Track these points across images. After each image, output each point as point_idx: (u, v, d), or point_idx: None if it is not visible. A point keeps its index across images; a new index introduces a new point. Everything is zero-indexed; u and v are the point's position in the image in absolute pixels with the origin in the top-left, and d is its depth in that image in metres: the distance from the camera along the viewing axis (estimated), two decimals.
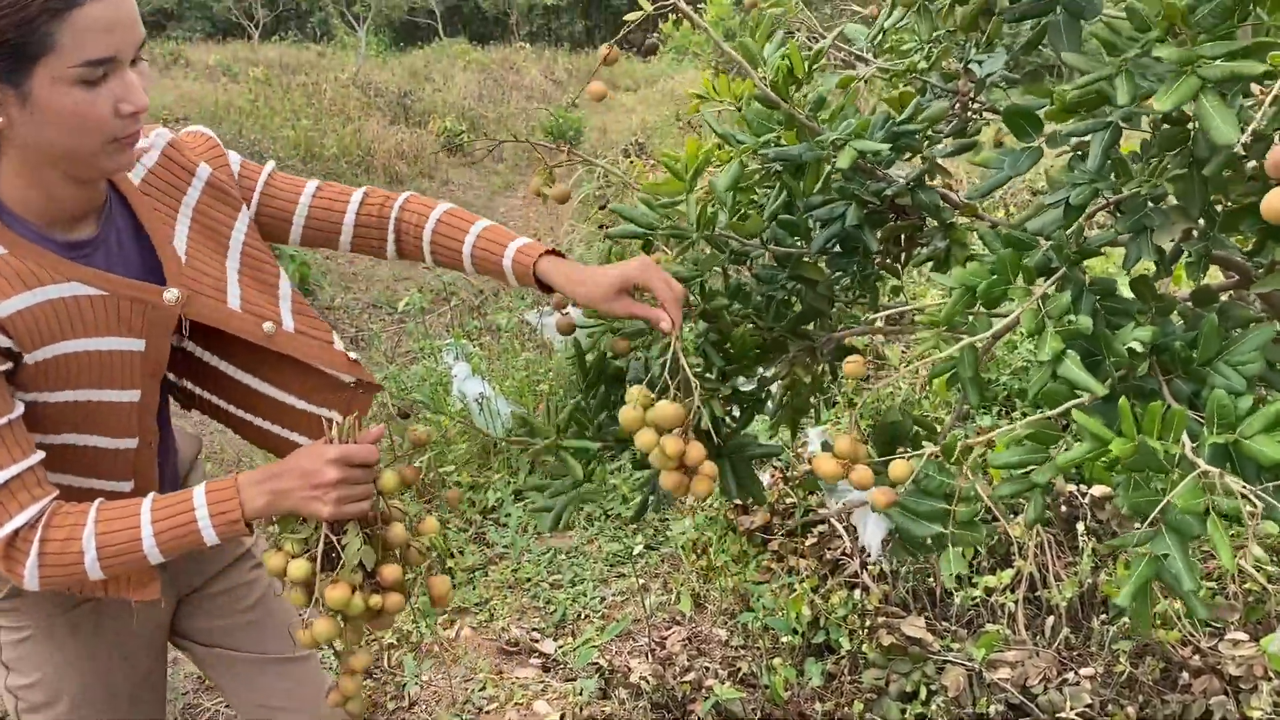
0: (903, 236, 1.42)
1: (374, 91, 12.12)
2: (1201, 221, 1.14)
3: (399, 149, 9.66)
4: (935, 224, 1.38)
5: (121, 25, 1.12)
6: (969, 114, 1.91)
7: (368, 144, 9.40)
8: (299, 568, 1.20)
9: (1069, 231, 1.20)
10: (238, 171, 1.42)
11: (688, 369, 1.20)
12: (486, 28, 25.05)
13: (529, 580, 3.15)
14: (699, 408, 1.19)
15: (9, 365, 1.16)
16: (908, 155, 1.39)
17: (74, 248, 1.22)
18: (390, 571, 1.24)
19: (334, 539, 1.21)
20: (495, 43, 23.11)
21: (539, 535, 3.36)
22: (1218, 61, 0.90)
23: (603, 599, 3.04)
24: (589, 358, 1.38)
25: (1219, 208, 1.15)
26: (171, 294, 1.27)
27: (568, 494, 1.39)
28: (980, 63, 1.63)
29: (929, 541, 1.08)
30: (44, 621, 1.37)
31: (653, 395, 1.20)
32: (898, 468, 1.07)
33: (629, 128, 10.89)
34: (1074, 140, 1.21)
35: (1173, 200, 1.15)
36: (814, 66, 1.25)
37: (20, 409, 1.17)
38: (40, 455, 1.18)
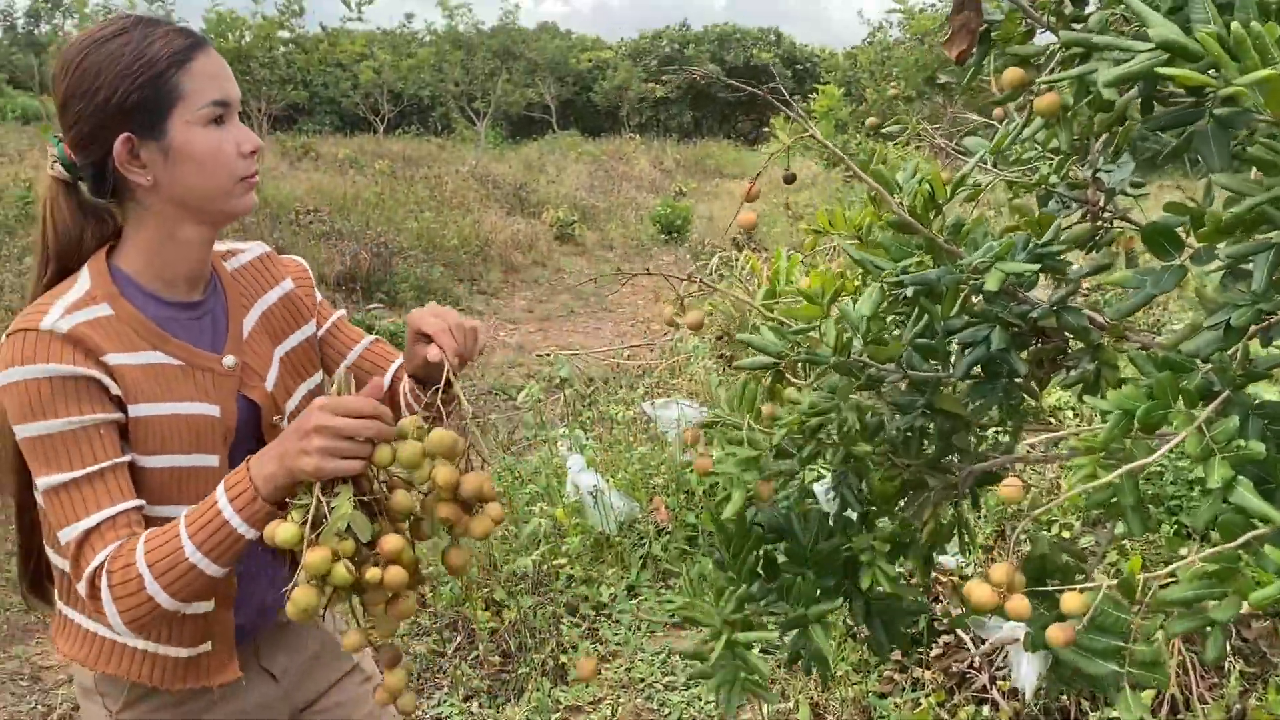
0: (1045, 360, 1.38)
1: (491, 183, 12.56)
2: None
3: (514, 239, 9.95)
4: (1082, 346, 1.34)
5: (225, 76, 1.28)
6: (1099, 223, 1.87)
7: (485, 234, 9.72)
8: (285, 531, 1.10)
9: (1231, 352, 1.16)
10: (317, 302, 1.54)
11: (463, 398, 1.19)
12: (598, 120, 25.81)
13: (643, 681, 3.10)
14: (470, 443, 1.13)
15: (120, 415, 1.23)
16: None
17: (187, 307, 1.34)
18: (390, 543, 1.12)
19: (324, 501, 1.12)
20: (606, 134, 23.76)
21: (653, 634, 3.32)
22: None
23: (718, 704, 2.97)
24: (726, 511, 1.35)
25: None
26: (229, 360, 1.35)
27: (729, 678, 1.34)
28: (1109, 171, 1.61)
29: (1106, 681, 1.03)
30: None
31: (424, 425, 1.16)
32: (1071, 601, 1.03)
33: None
34: (1225, 258, 1.17)
35: None
36: (956, 191, 1.24)
37: (128, 457, 1.23)
38: (138, 503, 1.23)
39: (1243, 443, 1.05)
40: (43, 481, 1.20)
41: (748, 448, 1.32)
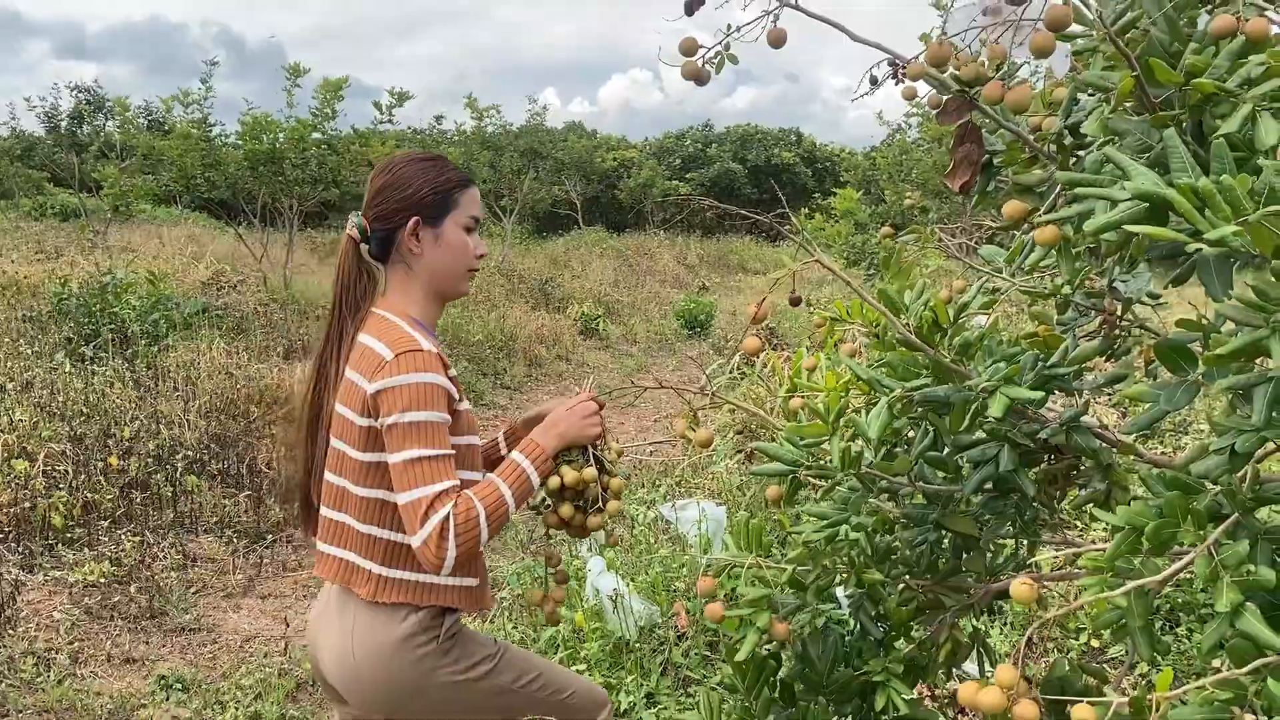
0: (1058, 476, 1.39)
1: (517, 278, 12.74)
2: None
3: (539, 333, 10.05)
4: (1093, 464, 1.35)
5: (480, 204, 1.93)
6: (1116, 332, 1.88)
7: (510, 329, 9.82)
8: (570, 475, 1.86)
9: (1239, 475, 1.16)
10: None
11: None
12: (622, 216, 26.22)
13: None
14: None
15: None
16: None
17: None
18: (615, 482, 1.92)
19: (594, 453, 1.91)
20: (630, 230, 24.11)
21: None
22: None
23: None
24: (740, 654, 1.35)
25: None
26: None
27: None
28: (1125, 282, 1.62)
29: None
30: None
31: None
32: (1081, 712, 1.02)
33: None
34: (1226, 388, 1.18)
35: None
36: (960, 317, 1.27)
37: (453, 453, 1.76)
38: (458, 481, 1.73)
39: (1252, 568, 1.05)
40: (412, 453, 1.70)
41: (758, 587, 1.32)
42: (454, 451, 1.75)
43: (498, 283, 12.32)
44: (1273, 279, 0.99)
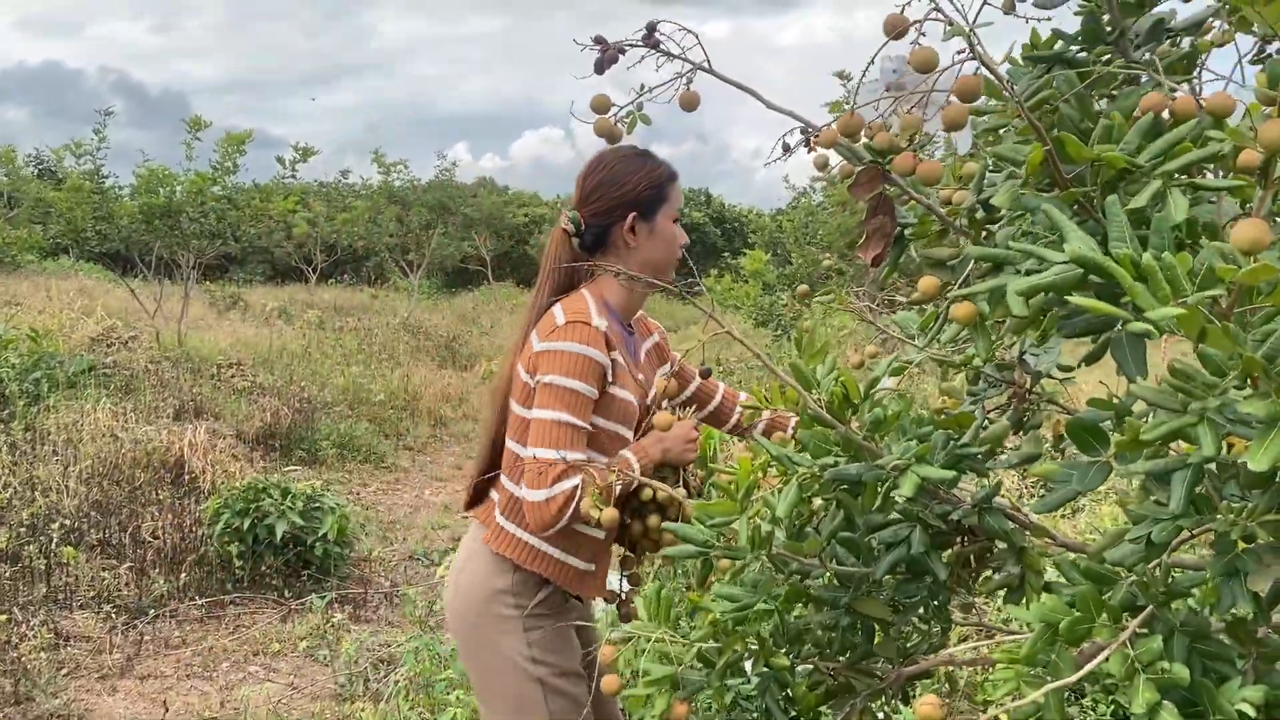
0: (971, 558, 1.34)
1: (423, 335, 12.53)
2: None
3: (445, 392, 9.85)
4: (1006, 547, 1.30)
5: (682, 197, 2.05)
6: (1026, 406, 1.86)
7: (414, 388, 9.60)
8: (678, 492, 1.87)
9: (1153, 566, 1.13)
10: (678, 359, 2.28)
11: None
12: (532, 272, 26.14)
13: None
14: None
15: (597, 396, 1.90)
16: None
17: (628, 331, 2.06)
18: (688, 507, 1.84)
19: (684, 476, 1.98)
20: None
21: None
22: None
23: None
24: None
25: None
26: (640, 375, 2.03)
27: None
28: (1036, 355, 1.60)
29: None
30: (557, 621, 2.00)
31: None
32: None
33: None
34: (1144, 473, 1.14)
35: (1266, 540, 1.08)
36: (871, 392, 1.22)
37: (590, 429, 1.89)
38: (585, 457, 1.85)
39: (1167, 665, 1.01)
40: (557, 415, 1.83)
41: (663, 665, 1.24)
42: (587, 426, 1.86)
43: (403, 340, 12.09)
44: (1198, 364, 0.96)
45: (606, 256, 1.98)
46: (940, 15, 1.08)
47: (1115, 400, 1.39)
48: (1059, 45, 1.35)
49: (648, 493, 1.91)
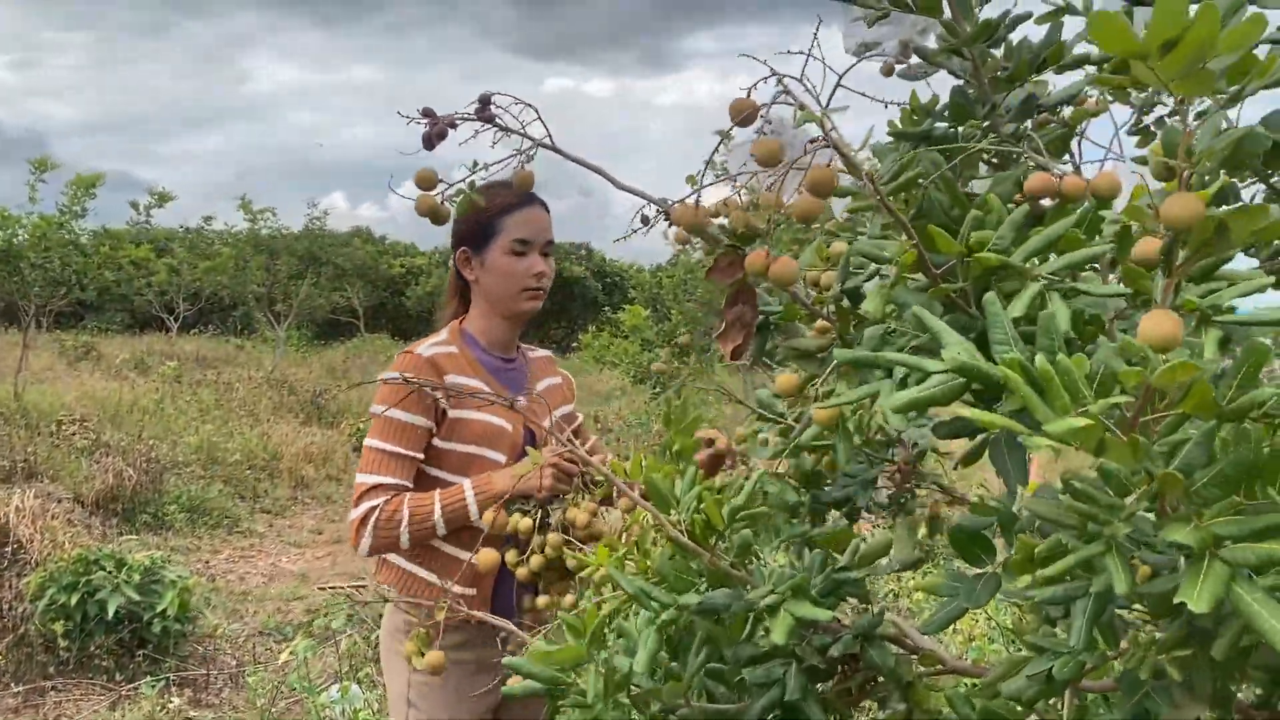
0: (853, 690, 1.19)
1: (288, 389, 11.99)
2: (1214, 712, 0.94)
3: (308, 451, 9.38)
4: (890, 681, 1.15)
5: (535, 226, 2.01)
6: (906, 486, 1.74)
7: (274, 446, 9.11)
8: (524, 523, 1.79)
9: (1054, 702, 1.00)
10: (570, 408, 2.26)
11: None
12: (409, 324, 25.60)
13: None
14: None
15: (434, 426, 1.93)
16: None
17: (503, 361, 2.08)
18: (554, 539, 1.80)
19: (546, 508, 1.84)
20: (418, 338, 23.46)
21: None
22: (1243, 545, 0.72)
23: None
24: None
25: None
26: (521, 401, 2.01)
27: None
28: (919, 428, 1.51)
29: None
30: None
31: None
32: None
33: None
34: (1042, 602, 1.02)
35: (1178, 677, 0.96)
36: (737, 518, 1.06)
37: (421, 456, 1.93)
38: (408, 485, 1.91)
39: None
40: (371, 442, 1.90)
41: None
42: (411, 453, 1.91)
43: (265, 394, 11.54)
44: (1099, 481, 0.83)
45: (473, 293, 2.07)
46: (790, 99, 0.95)
47: (998, 504, 1.28)
48: (927, 122, 1.24)
49: (495, 520, 1.73)
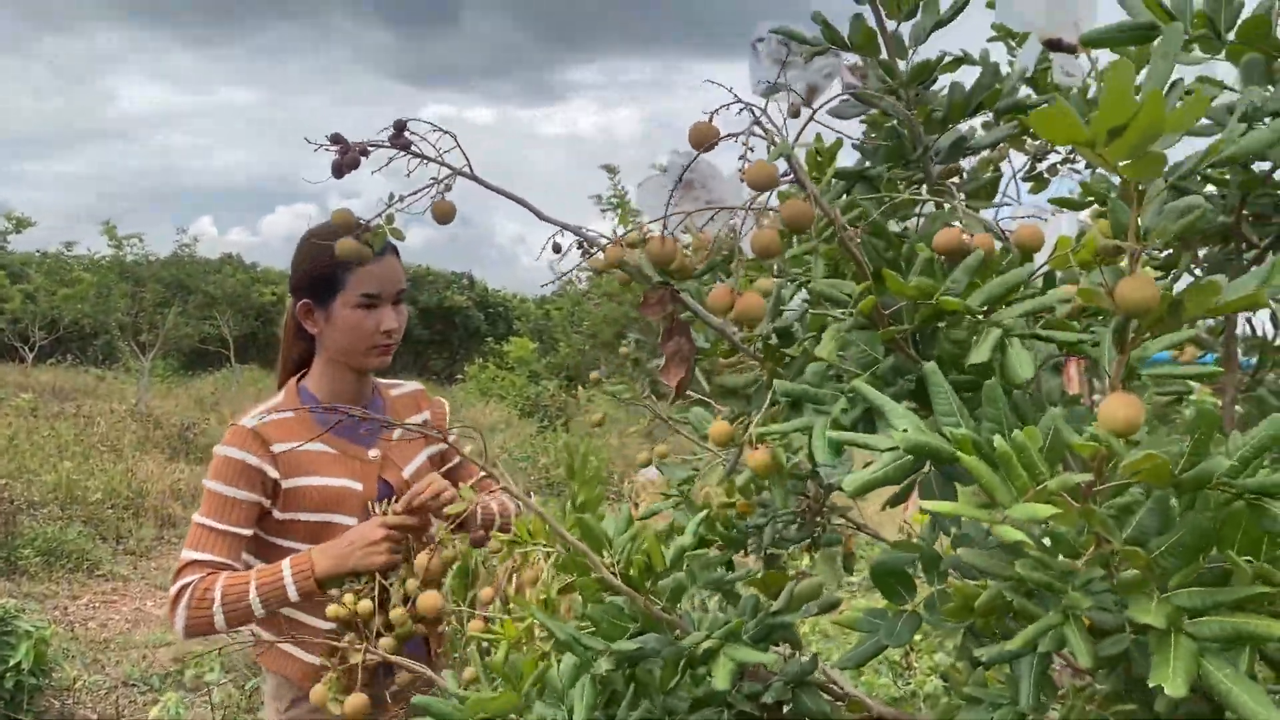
0: None
1: (153, 423, 11.43)
2: None
3: (176, 488, 8.94)
4: None
5: (384, 278, 1.86)
6: (819, 519, 1.74)
7: (139, 484, 8.65)
8: (364, 606, 1.62)
9: None
10: (442, 449, 2.10)
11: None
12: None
13: None
14: None
15: (266, 500, 1.82)
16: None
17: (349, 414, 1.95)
18: (397, 614, 1.65)
19: (385, 583, 1.69)
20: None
21: None
22: (1208, 618, 0.72)
23: None
24: None
25: None
26: (373, 453, 1.94)
27: None
28: (832, 467, 1.49)
29: None
30: None
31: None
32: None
33: None
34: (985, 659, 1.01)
35: None
36: (680, 559, 1.03)
37: (248, 532, 1.82)
38: (235, 564, 1.79)
39: None
40: (196, 516, 1.82)
41: None
42: (235, 529, 1.80)
43: (130, 428, 10.98)
44: (1054, 551, 0.82)
45: (316, 346, 1.95)
46: (760, 130, 0.93)
47: (919, 541, 1.28)
48: (857, 161, 1.25)
49: (331, 609, 1.66)
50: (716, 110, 0.89)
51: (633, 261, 1.16)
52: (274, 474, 1.81)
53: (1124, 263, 0.66)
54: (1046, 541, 0.81)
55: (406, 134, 1.15)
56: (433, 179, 1.14)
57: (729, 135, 0.86)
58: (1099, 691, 0.95)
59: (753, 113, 0.81)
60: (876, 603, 1.14)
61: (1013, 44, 1.51)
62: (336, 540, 1.78)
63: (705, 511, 1.09)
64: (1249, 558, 0.72)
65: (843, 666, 1.19)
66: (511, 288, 31.67)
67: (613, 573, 1.05)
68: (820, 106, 0.99)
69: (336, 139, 1.16)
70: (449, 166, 1.15)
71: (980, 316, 0.91)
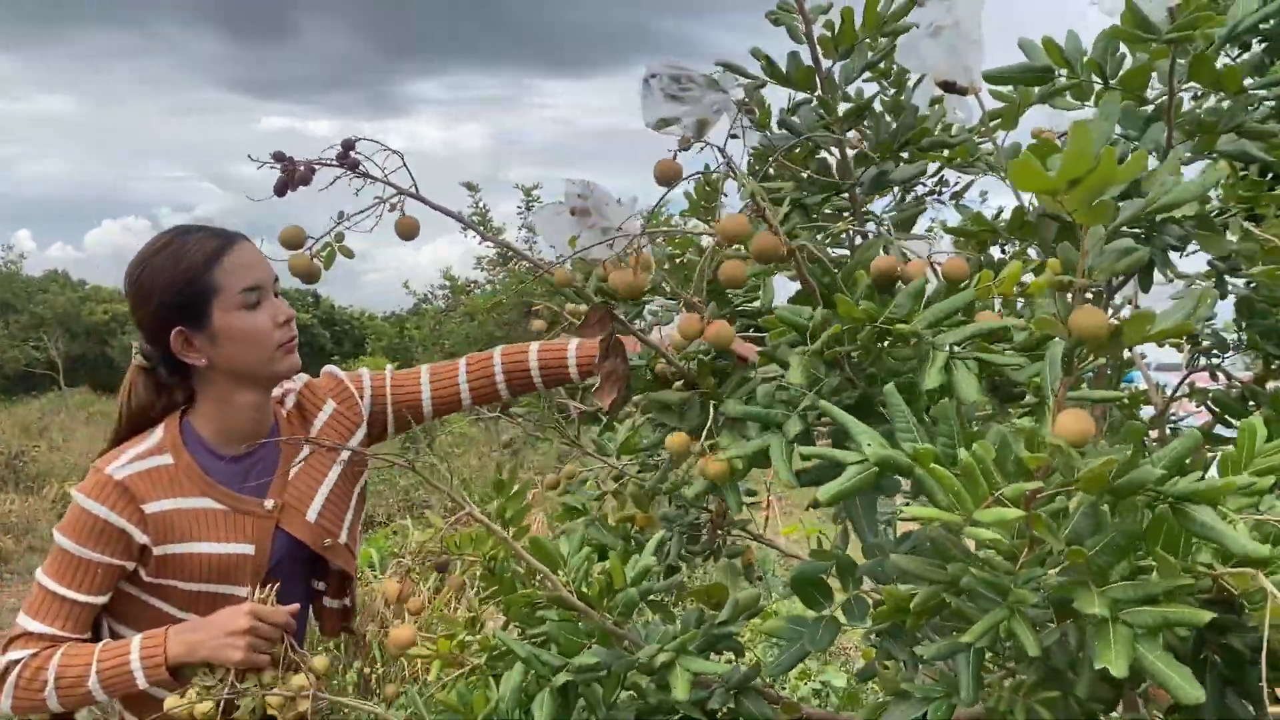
0: None
1: None
2: None
3: (5, 521, 8.36)
4: None
5: (256, 264, 1.53)
6: (720, 533, 1.81)
7: None
8: (203, 709, 1.40)
9: None
10: (370, 390, 1.77)
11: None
12: (114, 376, 23.44)
13: None
14: None
15: (131, 564, 1.52)
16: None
17: (230, 459, 1.60)
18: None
19: (238, 685, 1.44)
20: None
21: None
22: (1142, 608, 0.81)
23: None
24: None
25: None
26: (269, 503, 1.61)
27: None
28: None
29: None
30: None
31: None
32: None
33: None
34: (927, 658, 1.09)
35: (1047, 716, 1.05)
36: (641, 577, 1.07)
37: (102, 599, 1.52)
38: (80, 635, 1.51)
39: None
40: (40, 575, 1.51)
41: None
42: (84, 597, 1.50)
43: None
44: (998, 554, 0.90)
45: (195, 379, 1.58)
46: (730, 169, 0.99)
47: (836, 551, 1.35)
48: (789, 188, 1.33)
49: (170, 700, 1.44)
50: (677, 150, 0.95)
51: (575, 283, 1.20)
52: (142, 538, 1.50)
53: (1070, 296, 0.74)
54: (980, 551, 0.90)
55: (353, 153, 1.16)
56: (377, 198, 1.16)
57: (697, 175, 0.91)
58: (1024, 683, 1.03)
59: (720, 153, 0.87)
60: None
61: (885, 84, 1.63)
62: (200, 621, 1.50)
63: (661, 534, 1.14)
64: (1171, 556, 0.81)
65: (771, 674, 1.26)
66: (359, 305, 30.98)
67: (570, 591, 1.08)
68: (791, 147, 1.05)
69: (280, 156, 1.16)
70: (395, 186, 1.16)
71: (929, 339, 0.99)
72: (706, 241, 1.11)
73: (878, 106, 1.16)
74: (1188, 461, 0.78)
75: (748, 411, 1.06)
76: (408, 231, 1.12)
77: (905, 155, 1.16)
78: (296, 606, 1.53)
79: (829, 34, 1.16)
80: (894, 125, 1.14)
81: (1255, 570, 0.71)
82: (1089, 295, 0.93)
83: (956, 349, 0.94)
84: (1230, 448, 0.80)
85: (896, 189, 1.73)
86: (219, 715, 1.41)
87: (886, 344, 1.05)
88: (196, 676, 1.45)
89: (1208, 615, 0.73)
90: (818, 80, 1.11)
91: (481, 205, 9.71)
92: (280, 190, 1.16)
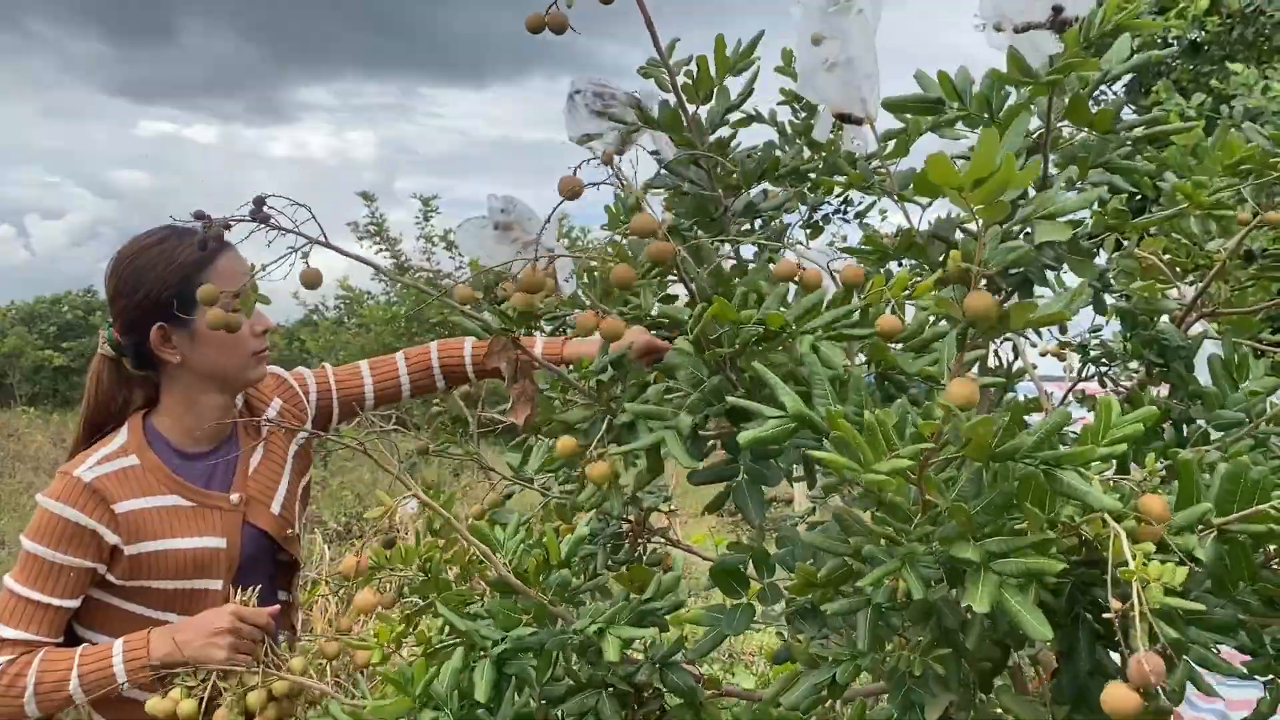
0: (650, 717, 1.32)
1: None
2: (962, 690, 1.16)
3: None
4: (684, 703, 1.30)
5: (242, 273, 1.48)
6: (640, 541, 1.91)
7: None
8: (186, 706, 1.41)
9: (835, 704, 1.18)
10: (314, 387, 1.83)
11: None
12: None
13: None
14: None
15: (101, 566, 1.54)
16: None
17: (194, 458, 1.64)
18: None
19: (220, 685, 1.45)
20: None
21: None
22: (1010, 559, 0.94)
23: None
24: None
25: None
26: (235, 497, 1.65)
27: None
28: (652, 493, 1.67)
29: None
30: None
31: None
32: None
33: None
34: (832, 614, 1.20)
35: (936, 671, 1.17)
36: (573, 552, 1.16)
37: (75, 604, 1.54)
38: (51, 642, 1.52)
39: None
40: (8, 579, 1.53)
41: None
42: (57, 601, 1.53)
43: None
44: (889, 513, 1.02)
45: (163, 376, 1.63)
46: (615, 180, 1.09)
47: (750, 544, 1.46)
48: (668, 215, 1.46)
49: (152, 703, 1.46)
50: (580, 164, 1.04)
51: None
52: (113, 539, 1.53)
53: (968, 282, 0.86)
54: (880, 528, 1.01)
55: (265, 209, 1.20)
56: (290, 248, 1.19)
57: (595, 184, 1.01)
58: (919, 643, 1.15)
59: (610, 167, 0.97)
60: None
61: (797, 107, 1.76)
62: (183, 622, 1.54)
63: (593, 511, 1.22)
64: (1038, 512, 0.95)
65: (691, 657, 1.37)
66: None
67: (508, 571, 1.16)
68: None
69: (200, 215, 1.21)
70: (305, 236, 1.18)
71: (796, 329, 1.10)
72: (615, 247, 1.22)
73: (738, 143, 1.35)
74: (1057, 436, 0.90)
75: (640, 410, 1.16)
76: (312, 282, 1.18)
77: (766, 185, 1.33)
78: (277, 608, 1.58)
79: (689, 81, 1.31)
80: (752, 161, 1.30)
81: (1105, 516, 0.83)
82: (983, 284, 1.06)
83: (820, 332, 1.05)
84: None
85: (798, 212, 1.89)
86: (200, 715, 1.42)
87: (762, 346, 1.15)
88: (179, 676, 1.47)
89: (1060, 564, 0.86)
90: (685, 122, 1.26)
91: (379, 215, 9.66)
92: (203, 247, 1.23)
